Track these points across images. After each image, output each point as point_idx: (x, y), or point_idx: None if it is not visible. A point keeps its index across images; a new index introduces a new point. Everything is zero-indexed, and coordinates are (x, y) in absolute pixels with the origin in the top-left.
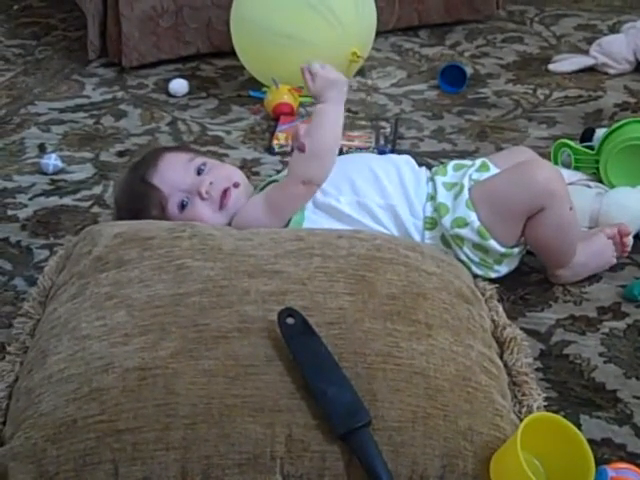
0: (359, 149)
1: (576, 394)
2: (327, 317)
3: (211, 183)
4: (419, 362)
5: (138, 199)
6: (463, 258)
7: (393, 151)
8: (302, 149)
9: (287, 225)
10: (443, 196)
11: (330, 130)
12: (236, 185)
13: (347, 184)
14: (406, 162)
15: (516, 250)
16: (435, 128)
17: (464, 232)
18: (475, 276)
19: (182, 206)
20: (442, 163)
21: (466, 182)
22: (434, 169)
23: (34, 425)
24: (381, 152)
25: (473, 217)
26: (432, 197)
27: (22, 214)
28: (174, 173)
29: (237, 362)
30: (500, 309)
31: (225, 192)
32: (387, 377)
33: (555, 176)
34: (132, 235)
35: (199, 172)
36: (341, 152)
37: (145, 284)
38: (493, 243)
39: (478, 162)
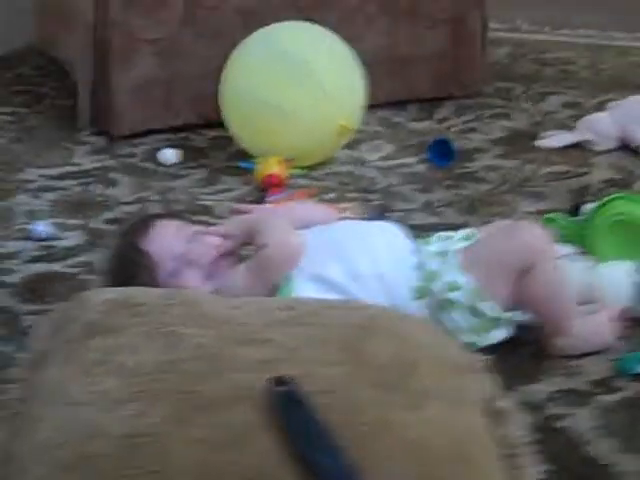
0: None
1: (571, 468)
2: (318, 385)
3: (202, 252)
4: (412, 432)
5: (129, 265)
6: (455, 326)
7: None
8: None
9: (277, 294)
10: (431, 264)
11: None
12: (225, 254)
13: (336, 252)
14: (396, 230)
15: (509, 315)
16: (424, 201)
17: (456, 296)
18: (467, 345)
19: (172, 274)
20: (428, 235)
21: (452, 248)
22: (418, 240)
23: None
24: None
25: (464, 280)
26: (419, 266)
27: (11, 279)
28: (165, 240)
29: (229, 430)
30: (493, 380)
31: (215, 261)
32: (380, 447)
33: (542, 233)
34: (122, 301)
35: (189, 240)
36: None
37: (135, 351)
38: (486, 306)
39: (465, 231)
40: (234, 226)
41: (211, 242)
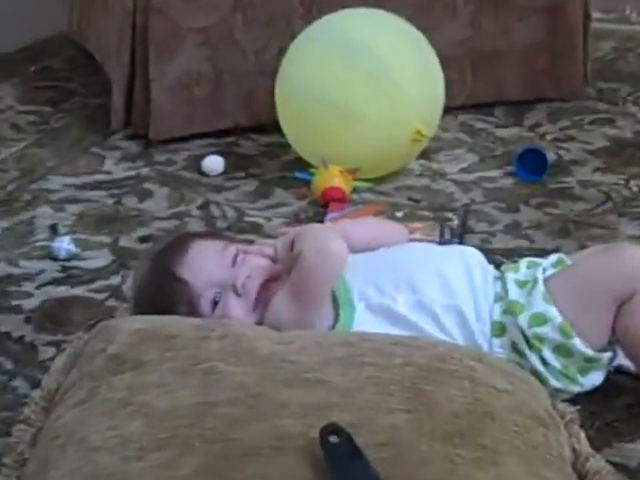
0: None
1: None
2: (377, 437)
3: (248, 276)
4: None
5: (164, 295)
6: (541, 368)
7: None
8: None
9: (333, 326)
10: (515, 294)
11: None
12: (276, 278)
13: (405, 281)
14: (475, 256)
15: (605, 356)
16: (510, 222)
17: (544, 331)
18: (554, 392)
19: (214, 303)
20: (515, 261)
21: (540, 275)
22: (504, 266)
23: None
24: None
25: (554, 311)
26: (501, 297)
27: (27, 304)
28: (207, 265)
29: None
30: (582, 436)
31: (262, 287)
32: None
33: None
34: (153, 333)
35: (232, 263)
36: None
37: (166, 390)
38: (578, 343)
39: (554, 257)
40: (282, 244)
41: (257, 265)
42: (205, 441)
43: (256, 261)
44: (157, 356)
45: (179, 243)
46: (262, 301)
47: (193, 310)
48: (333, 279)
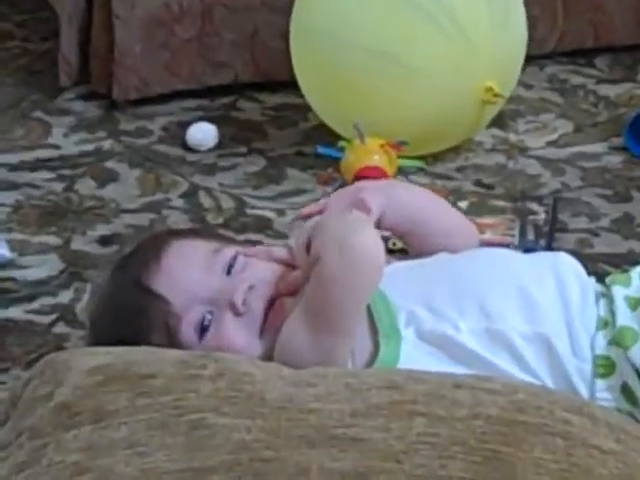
0: (494, 246)
1: None
2: None
3: (251, 287)
4: None
5: (129, 317)
6: None
7: (549, 250)
8: None
9: (372, 362)
10: (627, 317)
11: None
12: (291, 290)
13: (473, 302)
14: (570, 266)
15: None
16: (619, 216)
17: None
18: None
19: (202, 328)
20: (626, 270)
21: None
22: (610, 277)
23: None
24: (529, 251)
25: None
26: (606, 323)
27: None
28: (191, 274)
29: None
30: None
31: (273, 304)
32: None
33: None
34: (120, 371)
35: (229, 271)
36: None
37: (138, 451)
38: None
39: None
40: (298, 242)
41: (264, 272)
42: None
43: (262, 267)
44: (126, 404)
45: (153, 245)
46: (272, 324)
47: (171, 339)
48: (366, 295)
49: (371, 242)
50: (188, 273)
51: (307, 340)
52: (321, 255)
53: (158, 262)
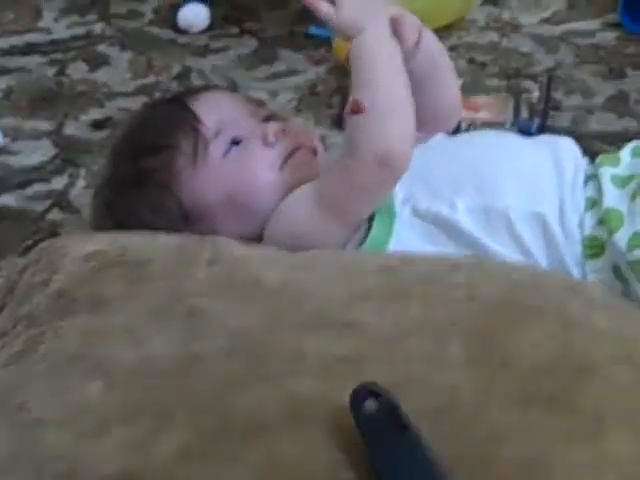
0: (488, 125)
1: None
2: (431, 401)
3: (284, 131)
4: (583, 476)
5: (160, 123)
6: None
7: (543, 129)
8: (358, 109)
9: (363, 243)
10: (613, 198)
11: (388, 68)
12: (315, 152)
13: (470, 180)
14: (568, 147)
15: None
16: (613, 93)
17: None
18: None
19: (231, 144)
20: (618, 148)
21: None
22: (600, 158)
23: None
24: (523, 130)
25: None
26: (594, 202)
27: None
28: (228, 107)
29: (284, 470)
30: None
31: (297, 149)
32: None
33: None
34: (116, 257)
35: (267, 120)
36: (458, 129)
37: (135, 338)
38: None
39: None
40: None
41: (300, 129)
42: (190, 410)
43: (299, 128)
44: (122, 291)
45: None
46: (292, 170)
47: (195, 159)
48: (383, 196)
49: (407, 141)
50: (227, 106)
51: (310, 215)
52: (358, 155)
53: (196, 97)
